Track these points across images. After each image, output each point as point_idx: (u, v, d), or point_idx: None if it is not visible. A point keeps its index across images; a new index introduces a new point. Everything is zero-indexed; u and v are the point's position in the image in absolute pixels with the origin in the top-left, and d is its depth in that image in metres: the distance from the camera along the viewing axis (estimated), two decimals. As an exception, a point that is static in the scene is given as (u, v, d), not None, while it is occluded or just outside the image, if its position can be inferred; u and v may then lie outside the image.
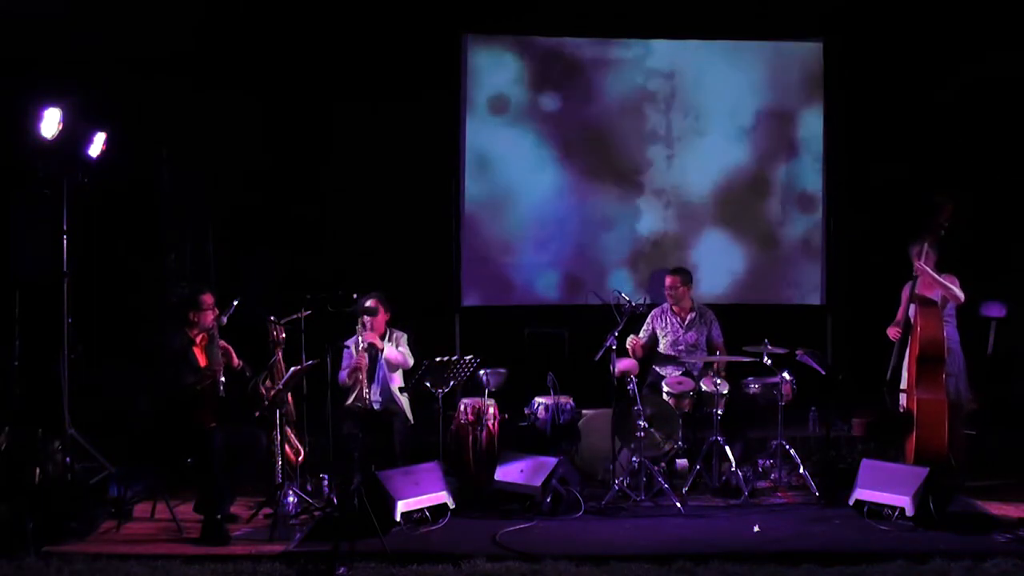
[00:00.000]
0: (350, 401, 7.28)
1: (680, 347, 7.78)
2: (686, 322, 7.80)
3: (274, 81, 8.75)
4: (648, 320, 7.87)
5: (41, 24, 7.81)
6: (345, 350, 7.31)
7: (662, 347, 7.83)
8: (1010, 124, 8.70)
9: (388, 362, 7.32)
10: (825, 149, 9.23)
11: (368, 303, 7.18)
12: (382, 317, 7.33)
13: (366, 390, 7.23)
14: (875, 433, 7.79)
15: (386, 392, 7.34)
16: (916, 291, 7.04)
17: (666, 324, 7.83)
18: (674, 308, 7.84)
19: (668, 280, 7.83)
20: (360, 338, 7.27)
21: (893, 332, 7.25)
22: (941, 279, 6.99)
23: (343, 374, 7.31)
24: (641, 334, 7.83)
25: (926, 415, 6.78)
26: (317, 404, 6.88)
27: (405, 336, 7.47)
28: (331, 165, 8.89)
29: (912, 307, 7.01)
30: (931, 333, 6.86)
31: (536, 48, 9.21)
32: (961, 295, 7.01)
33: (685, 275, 7.87)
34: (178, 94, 8.29)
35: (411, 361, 7.31)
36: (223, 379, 6.40)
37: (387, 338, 7.39)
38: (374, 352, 7.30)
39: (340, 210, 8.86)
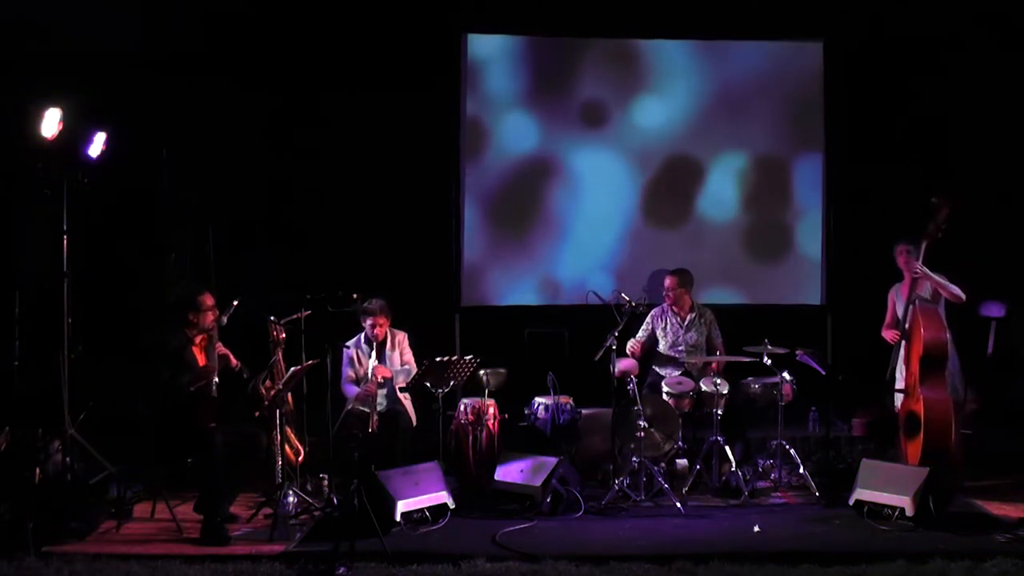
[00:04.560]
0: (351, 405, 7.28)
1: (680, 347, 7.78)
2: (686, 322, 7.79)
3: (274, 81, 8.75)
4: (648, 320, 7.87)
5: (41, 24, 7.82)
6: (345, 351, 7.32)
7: (662, 347, 7.83)
8: (1010, 123, 8.70)
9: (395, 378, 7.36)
10: (825, 149, 9.22)
11: (368, 304, 7.20)
12: (384, 322, 7.34)
13: (378, 405, 7.25)
14: (875, 433, 7.78)
15: (391, 394, 7.35)
16: (916, 292, 7.03)
17: (666, 324, 7.83)
18: (673, 308, 7.83)
19: (668, 281, 7.83)
20: (363, 344, 7.32)
21: (891, 335, 7.22)
22: (940, 279, 6.97)
23: (351, 389, 7.31)
24: (640, 334, 7.84)
25: (933, 414, 6.74)
26: (317, 404, 6.88)
27: (406, 337, 7.48)
28: (331, 165, 8.87)
29: (911, 308, 6.99)
30: (934, 333, 6.84)
31: (535, 47, 9.20)
32: (961, 293, 7.00)
33: (685, 276, 7.86)
34: (179, 94, 8.30)
35: (414, 370, 7.31)
36: (217, 380, 6.39)
37: (389, 343, 7.40)
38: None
39: (340, 210, 8.85)
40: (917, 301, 6.97)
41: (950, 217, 6.83)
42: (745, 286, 9.25)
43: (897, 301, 7.24)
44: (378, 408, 7.30)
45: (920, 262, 6.96)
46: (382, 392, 7.33)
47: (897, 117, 8.97)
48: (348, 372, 7.37)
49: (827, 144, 9.21)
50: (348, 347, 7.32)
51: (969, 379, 7.20)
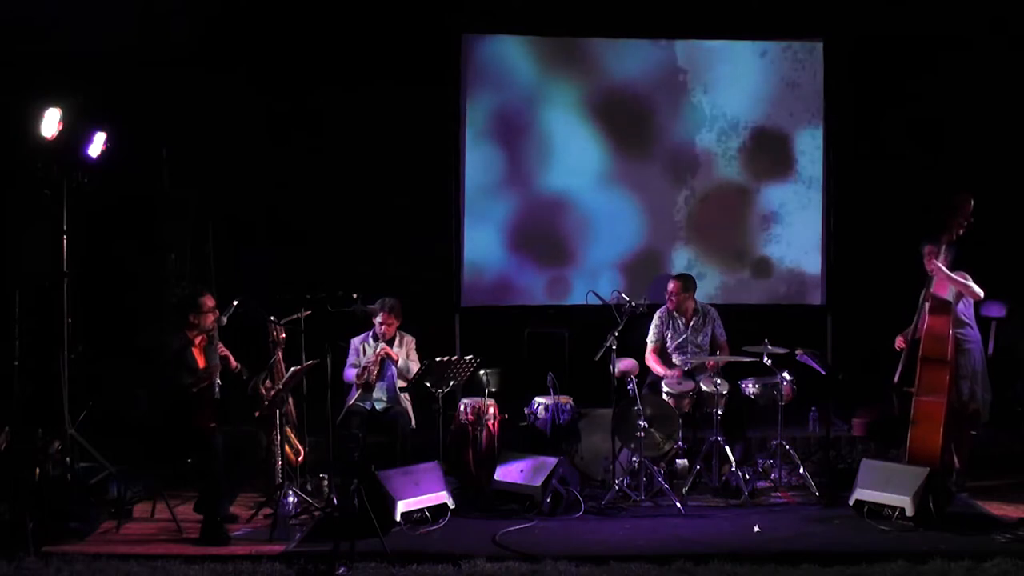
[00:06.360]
0: (352, 401, 7.31)
1: (687, 348, 7.77)
2: (691, 324, 7.79)
3: (274, 80, 8.76)
4: (656, 322, 7.84)
5: (40, 24, 7.81)
6: (352, 342, 7.39)
7: (669, 349, 7.82)
8: (1010, 123, 8.70)
9: (397, 371, 7.37)
10: (825, 148, 9.22)
11: (379, 303, 7.22)
12: (393, 322, 7.35)
13: (374, 391, 7.29)
14: (875, 433, 7.78)
15: (392, 391, 7.36)
16: (930, 291, 7.00)
17: (672, 326, 7.81)
18: (676, 311, 7.82)
19: (671, 285, 7.81)
20: (371, 339, 7.37)
21: (899, 341, 7.18)
22: (956, 276, 6.94)
23: (350, 372, 7.35)
24: (654, 338, 7.81)
25: (923, 417, 6.75)
26: (317, 404, 6.89)
27: (414, 341, 7.51)
28: (331, 164, 8.89)
29: (925, 307, 6.97)
30: (936, 333, 6.82)
31: (535, 48, 9.20)
32: (979, 291, 6.96)
33: (688, 281, 7.83)
34: (178, 93, 8.30)
35: (415, 369, 7.32)
36: (219, 382, 6.41)
37: (397, 343, 7.43)
38: (388, 361, 7.35)
39: (340, 209, 8.87)
40: (932, 300, 6.95)
41: (972, 214, 6.81)
42: (746, 286, 9.25)
43: None
44: (377, 407, 7.32)
45: (940, 261, 6.93)
46: (381, 386, 7.33)
47: (898, 117, 8.97)
48: (352, 359, 7.41)
49: (827, 143, 9.21)
50: (355, 340, 7.40)
51: (989, 382, 7.14)
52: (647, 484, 6.94)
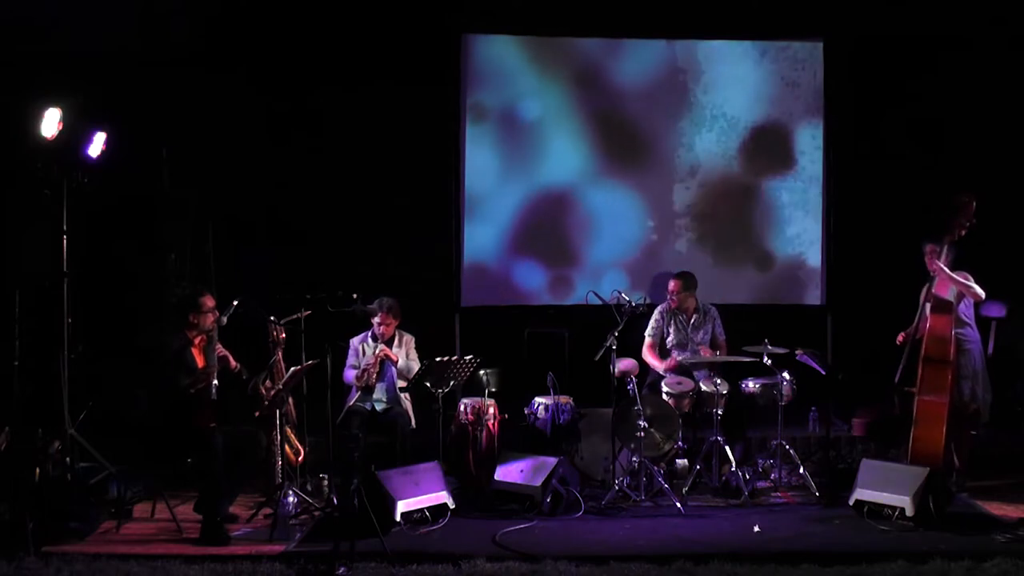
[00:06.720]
0: (352, 402, 7.31)
1: (687, 346, 7.77)
2: (691, 322, 7.79)
3: (274, 80, 8.76)
4: (656, 316, 7.84)
5: (40, 24, 7.82)
6: (352, 343, 7.39)
7: (669, 346, 7.82)
8: (1010, 123, 8.70)
9: (398, 371, 7.37)
10: (825, 148, 9.22)
11: (376, 303, 7.21)
12: (392, 322, 7.35)
13: (374, 392, 7.29)
14: (875, 433, 7.78)
15: (391, 392, 7.36)
16: (932, 291, 7.00)
17: (673, 324, 7.81)
18: (678, 309, 7.82)
19: (672, 284, 7.81)
20: (370, 339, 7.37)
21: (900, 337, 7.17)
22: (958, 277, 6.93)
23: (350, 373, 7.35)
24: (652, 332, 7.82)
25: (925, 417, 6.75)
26: (317, 404, 6.89)
27: (413, 340, 7.51)
28: (331, 164, 8.89)
29: (926, 307, 6.96)
30: (939, 334, 6.82)
31: (535, 48, 9.20)
32: (981, 292, 6.96)
33: (689, 279, 7.83)
34: (178, 93, 8.30)
35: (416, 368, 7.32)
36: (216, 382, 6.41)
37: (396, 342, 7.42)
38: (388, 362, 7.35)
39: (340, 209, 8.87)
40: (933, 300, 6.95)
41: (975, 215, 6.81)
42: (746, 286, 9.25)
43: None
44: (377, 408, 7.32)
45: (942, 260, 6.92)
46: (381, 387, 7.34)
47: (898, 117, 8.97)
48: (351, 360, 7.42)
49: (827, 143, 9.21)
50: (355, 341, 7.40)
51: (990, 382, 7.13)
52: (647, 484, 6.95)
